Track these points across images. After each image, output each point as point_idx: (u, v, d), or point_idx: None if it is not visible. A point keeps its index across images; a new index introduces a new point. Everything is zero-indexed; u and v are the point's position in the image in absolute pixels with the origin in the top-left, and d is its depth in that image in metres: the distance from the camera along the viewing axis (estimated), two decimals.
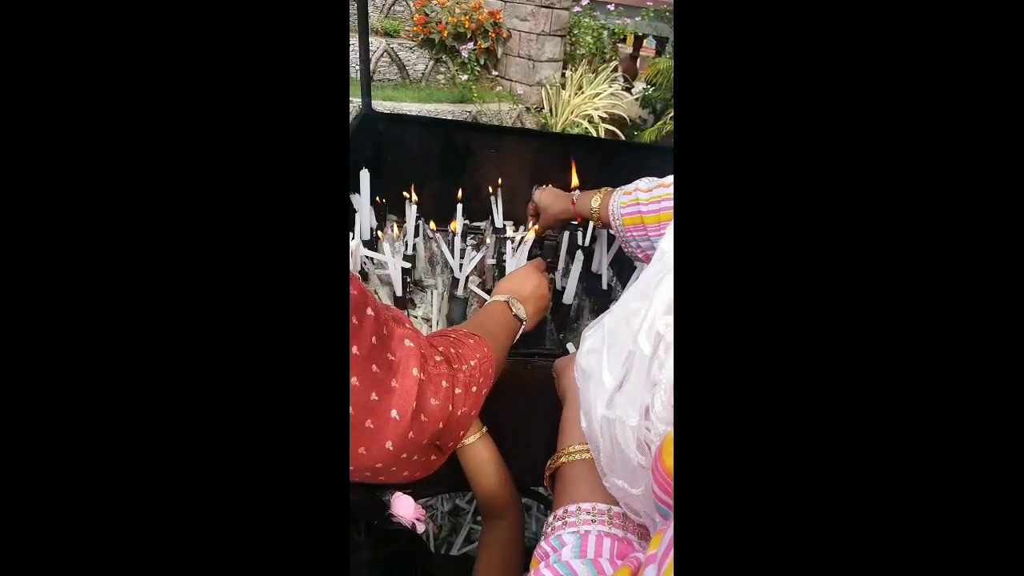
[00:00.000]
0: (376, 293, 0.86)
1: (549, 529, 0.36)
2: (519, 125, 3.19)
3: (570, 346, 0.71)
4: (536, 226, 0.91)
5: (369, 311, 0.32)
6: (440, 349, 0.41)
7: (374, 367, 0.32)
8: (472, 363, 0.43)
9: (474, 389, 0.42)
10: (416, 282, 0.92)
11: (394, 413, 0.33)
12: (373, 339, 0.32)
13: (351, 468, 0.34)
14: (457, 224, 0.83)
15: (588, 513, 0.35)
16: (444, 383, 0.38)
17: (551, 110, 3.18)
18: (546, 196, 0.90)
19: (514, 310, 0.60)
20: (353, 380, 0.30)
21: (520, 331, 0.61)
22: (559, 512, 0.37)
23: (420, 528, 0.49)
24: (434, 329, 0.90)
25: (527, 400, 0.69)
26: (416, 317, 0.89)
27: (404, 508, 0.47)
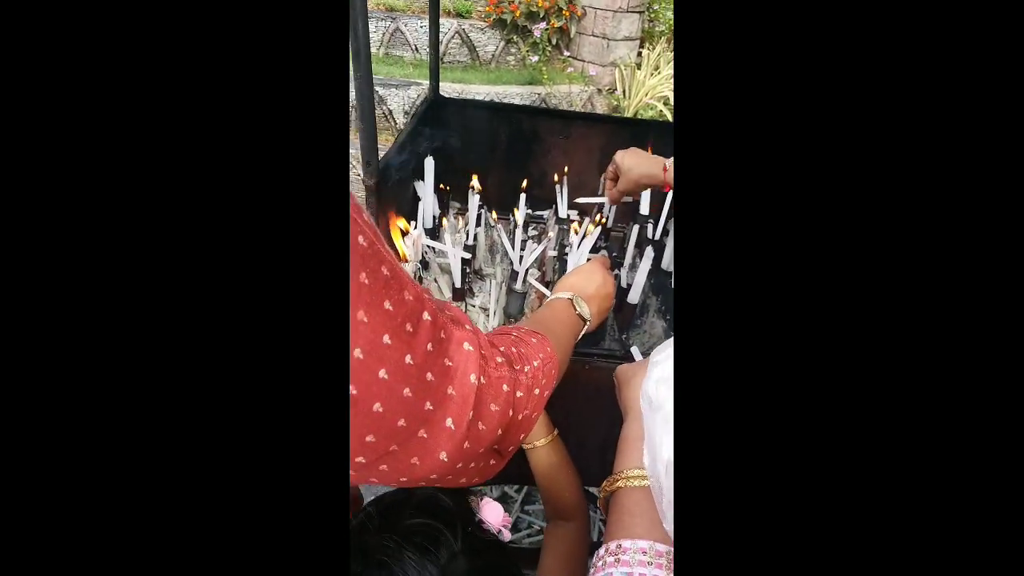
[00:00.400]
0: (436, 281, 0.86)
1: (600, 563, 0.33)
2: (589, 107, 3.09)
3: (635, 349, 0.67)
4: (613, 191, 0.83)
5: (426, 315, 0.30)
6: (501, 349, 0.39)
7: (429, 375, 0.30)
8: (535, 364, 0.41)
9: (536, 391, 0.40)
10: (476, 271, 0.91)
11: (449, 422, 0.32)
12: (429, 346, 0.30)
13: (405, 479, 0.33)
14: (519, 215, 0.81)
15: (644, 553, 0.32)
16: (505, 387, 0.36)
17: (624, 92, 3.05)
18: (630, 157, 0.81)
19: (578, 309, 0.57)
20: (406, 391, 0.28)
21: (583, 331, 0.58)
22: (612, 546, 0.34)
23: (506, 536, 0.49)
24: (491, 319, 0.88)
25: (584, 401, 0.66)
26: (474, 306, 0.88)
27: (493, 515, 0.47)
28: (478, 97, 2.77)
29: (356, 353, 0.25)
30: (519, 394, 0.37)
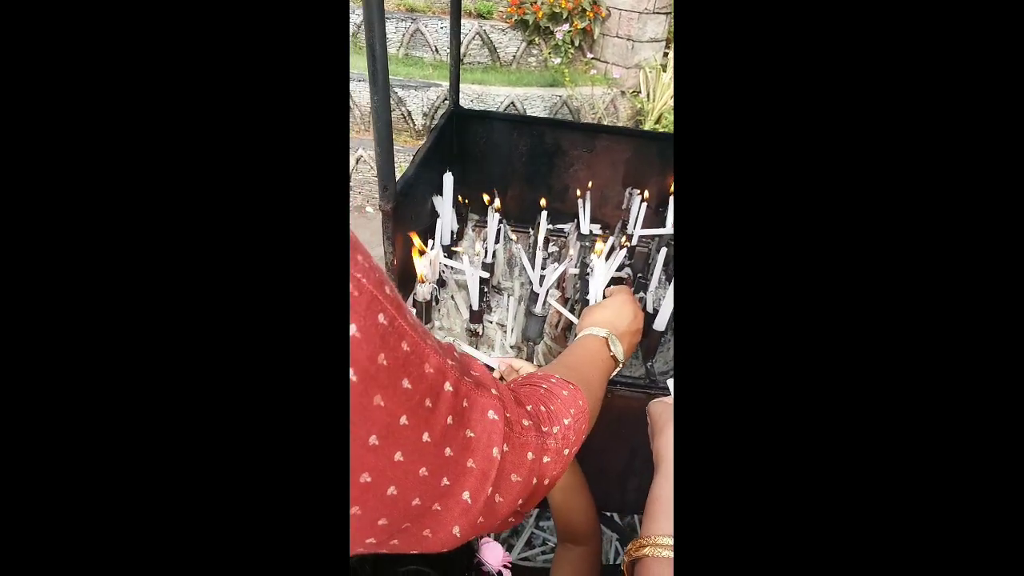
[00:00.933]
0: (452, 298, 0.84)
1: None
2: (612, 110, 3.04)
3: (671, 383, 0.64)
4: None
5: (447, 386, 0.28)
6: (528, 408, 0.36)
7: (448, 450, 0.28)
8: (566, 422, 0.38)
9: (566, 452, 0.37)
10: (494, 286, 0.89)
11: (466, 495, 0.30)
12: (449, 419, 0.28)
13: (417, 551, 0.31)
14: (540, 233, 0.78)
15: None
16: (530, 455, 0.33)
17: (648, 95, 2.99)
18: None
19: (612, 350, 0.53)
20: (422, 470, 0.26)
21: (614, 373, 0.55)
22: None
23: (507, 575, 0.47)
24: (508, 336, 0.86)
25: (605, 428, 0.64)
26: (491, 322, 0.86)
27: (492, 556, 0.46)
28: (498, 98, 2.75)
29: (372, 440, 0.23)
30: (545, 459, 0.35)
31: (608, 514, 0.92)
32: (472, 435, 0.29)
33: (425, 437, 0.26)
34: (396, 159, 2.60)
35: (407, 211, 0.69)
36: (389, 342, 0.23)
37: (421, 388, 0.25)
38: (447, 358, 0.28)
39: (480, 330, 0.75)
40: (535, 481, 0.34)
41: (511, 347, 0.84)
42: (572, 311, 0.85)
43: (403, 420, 0.24)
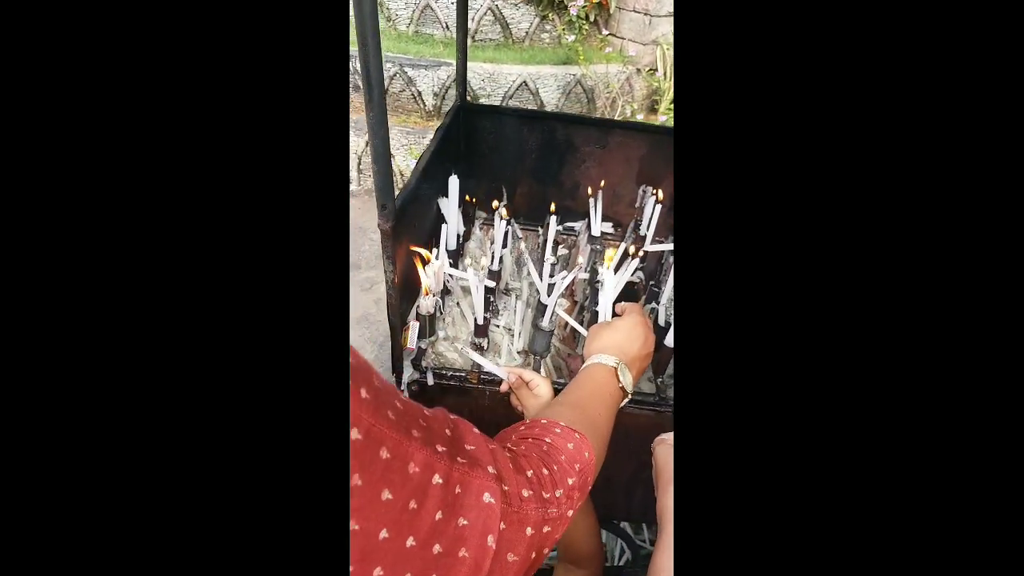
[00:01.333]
0: (458, 305, 0.81)
1: None
2: (627, 88, 2.94)
3: None
4: None
5: (436, 479, 0.26)
6: (529, 474, 0.33)
7: (436, 547, 0.26)
8: (570, 482, 0.35)
9: (570, 514, 0.35)
10: (503, 290, 0.86)
11: None
12: (438, 514, 0.26)
13: None
14: (548, 236, 0.75)
15: None
16: (529, 530, 0.31)
17: (665, 73, 2.88)
18: None
19: (622, 381, 0.50)
20: None
21: (623, 404, 0.52)
22: None
23: None
24: (515, 341, 0.84)
25: (611, 444, 0.62)
26: (498, 327, 0.84)
27: None
28: (510, 77, 2.68)
29: None
30: (546, 529, 0.32)
31: (615, 521, 0.91)
32: (465, 523, 0.27)
33: (409, 543, 0.24)
34: (405, 141, 2.51)
35: (411, 218, 0.66)
36: (364, 458, 0.21)
37: (404, 493, 0.23)
38: (436, 443, 0.26)
39: (484, 343, 0.72)
40: (533, 555, 0.32)
41: (518, 352, 0.82)
42: (581, 316, 0.83)
43: (383, 535, 0.22)
